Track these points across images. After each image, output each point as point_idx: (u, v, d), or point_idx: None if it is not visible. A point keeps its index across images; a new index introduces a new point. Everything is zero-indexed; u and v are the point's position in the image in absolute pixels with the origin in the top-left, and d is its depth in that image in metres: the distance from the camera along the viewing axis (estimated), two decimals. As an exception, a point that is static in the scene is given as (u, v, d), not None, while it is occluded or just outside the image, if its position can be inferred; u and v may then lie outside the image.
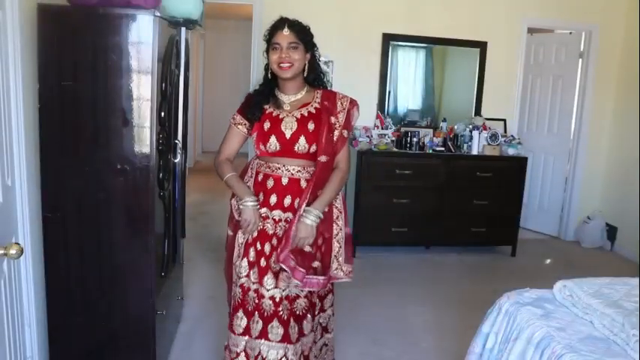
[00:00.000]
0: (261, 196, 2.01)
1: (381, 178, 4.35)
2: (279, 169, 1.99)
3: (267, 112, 2.00)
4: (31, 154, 1.96)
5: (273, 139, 1.95)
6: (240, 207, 1.98)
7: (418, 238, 4.63)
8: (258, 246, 2.00)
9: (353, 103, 2.06)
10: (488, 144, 4.60)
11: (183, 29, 2.57)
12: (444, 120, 4.86)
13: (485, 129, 4.64)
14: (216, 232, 4.69)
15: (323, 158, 1.96)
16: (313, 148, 1.95)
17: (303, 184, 1.99)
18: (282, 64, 1.93)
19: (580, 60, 5.13)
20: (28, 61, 1.91)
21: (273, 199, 1.99)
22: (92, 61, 2.00)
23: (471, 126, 4.67)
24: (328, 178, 2.00)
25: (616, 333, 1.73)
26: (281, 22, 1.98)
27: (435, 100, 5.23)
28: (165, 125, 2.27)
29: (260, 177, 2.03)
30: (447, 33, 4.82)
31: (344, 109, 2.02)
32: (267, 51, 1.98)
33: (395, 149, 4.54)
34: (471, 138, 4.58)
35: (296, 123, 1.96)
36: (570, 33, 5.19)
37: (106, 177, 2.06)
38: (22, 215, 1.88)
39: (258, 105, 2.01)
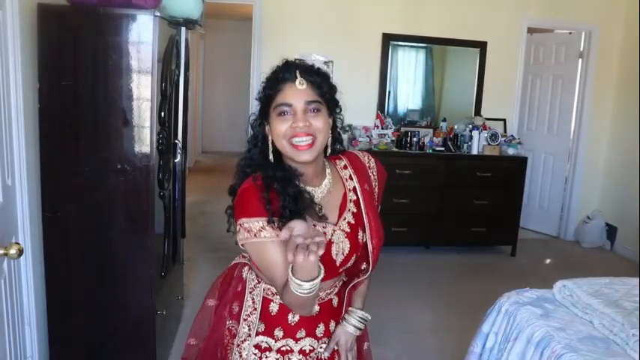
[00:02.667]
0: (278, 332, 1.36)
1: (381, 178, 4.35)
2: None
3: None
4: (31, 154, 1.96)
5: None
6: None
7: (418, 238, 4.63)
8: None
9: (375, 159, 1.44)
10: (488, 144, 4.60)
11: (183, 29, 2.57)
12: (444, 120, 4.86)
13: (485, 129, 4.65)
14: (216, 232, 4.69)
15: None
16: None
17: (335, 301, 1.43)
18: (297, 140, 1.19)
19: (580, 60, 5.13)
20: (28, 61, 1.92)
21: (301, 332, 1.38)
22: (92, 61, 2.00)
23: (470, 126, 4.67)
24: None
25: (616, 333, 1.73)
26: (290, 69, 1.22)
27: (435, 100, 5.23)
28: (165, 125, 2.27)
29: (274, 308, 1.36)
30: (447, 33, 4.82)
31: (374, 175, 1.41)
32: (264, 115, 1.25)
33: (395, 149, 4.54)
34: (471, 138, 4.58)
35: (348, 241, 1.30)
36: (570, 33, 5.19)
37: (106, 177, 2.06)
38: (22, 215, 1.88)
39: (298, 211, 1.20)
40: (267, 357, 1.36)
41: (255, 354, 1.35)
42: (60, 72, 1.99)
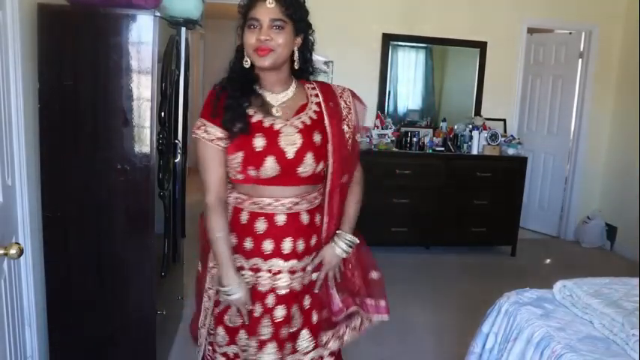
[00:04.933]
0: (248, 244, 1.49)
1: (381, 178, 4.35)
2: (272, 204, 1.46)
3: (252, 119, 1.43)
4: (31, 154, 1.96)
5: (270, 161, 1.41)
6: (222, 296, 1.48)
7: (418, 238, 4.63)
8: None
9: (354, 94, 1.59)
10: (488, 144, 4.60)
11: (183, 29, 2.57)
12: (444, 120, 4.87)
13: (485, 129, 4.65)
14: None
15: (345, 178, 1.56)
16: (320, 166, 1.48)
17: (305, 218, 1.51)
18: (259, 50, 1.40)
19: (580, 60, 5.13)
20: (28, 61, 1.92)
21: (268, 245, 1.48)
22: (92, 61, 2.00)
23: (470, 126, 4.67)
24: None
25: (615, 333, 1.73)
26: None
27: (435, 100, 5.23)
28: (166, 125, 2.27)
29: (244, 217, 1.48)
30: (446, 33, 4.82)
31: (349, 106, 1.56)
32: (242, 28, 1.44)
33: (395, 149, 4.54)
34: (471, 138, 4.58)
35: (300, 136, 1.44)
36: (570, 33, 5.19)
37: (106, 177, 2.06)
38: (22, 215, 1.88)
39: (239, 108, 1.42)
40: (242, 275, 1.49)
41: None
42: (60, 72, 1.99)
